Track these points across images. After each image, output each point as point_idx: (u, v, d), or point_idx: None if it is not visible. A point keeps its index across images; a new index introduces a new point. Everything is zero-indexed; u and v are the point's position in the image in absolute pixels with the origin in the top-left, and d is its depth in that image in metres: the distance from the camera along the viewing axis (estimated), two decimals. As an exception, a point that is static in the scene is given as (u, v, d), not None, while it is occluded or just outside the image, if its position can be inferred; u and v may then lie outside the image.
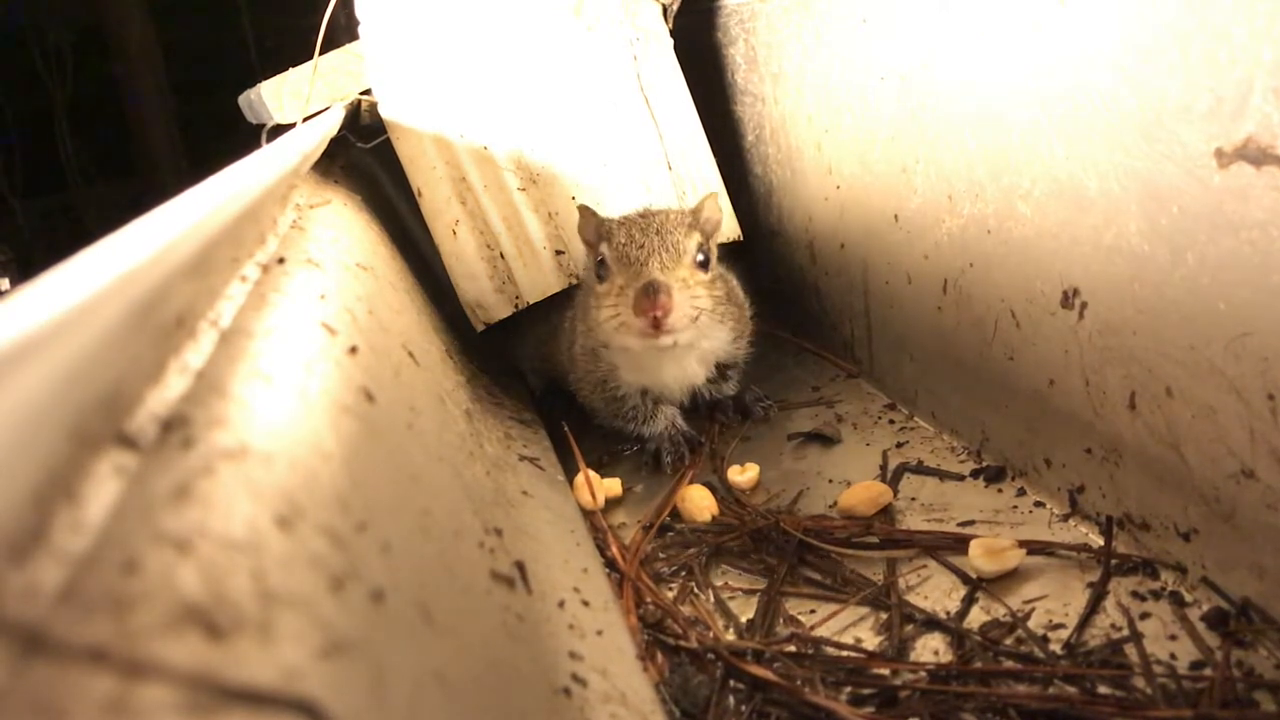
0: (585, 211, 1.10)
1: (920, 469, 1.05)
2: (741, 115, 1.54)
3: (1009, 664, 0.71)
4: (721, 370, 1.21)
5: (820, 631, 0.78)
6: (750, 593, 0.85)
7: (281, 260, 0.64)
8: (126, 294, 0.36)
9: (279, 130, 1.26)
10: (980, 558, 0.82)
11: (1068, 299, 0.85)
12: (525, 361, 1.37)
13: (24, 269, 2.56)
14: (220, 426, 0.39)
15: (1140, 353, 0.77)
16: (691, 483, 1.06)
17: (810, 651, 0.75)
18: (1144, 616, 0.74)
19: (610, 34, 1.24)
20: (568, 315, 1.21)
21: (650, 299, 0.97)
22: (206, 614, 0.29)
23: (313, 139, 0.92)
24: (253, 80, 1.38)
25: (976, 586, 0.81)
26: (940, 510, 0.96)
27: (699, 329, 1.04)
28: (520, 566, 0.69)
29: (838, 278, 1.34)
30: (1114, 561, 0.81)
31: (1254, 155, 0.63)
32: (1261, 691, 0.64)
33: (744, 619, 0.81)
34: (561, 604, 0.72)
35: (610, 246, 1.03)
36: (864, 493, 0.97)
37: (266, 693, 0.28)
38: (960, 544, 0.86)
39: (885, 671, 0.72)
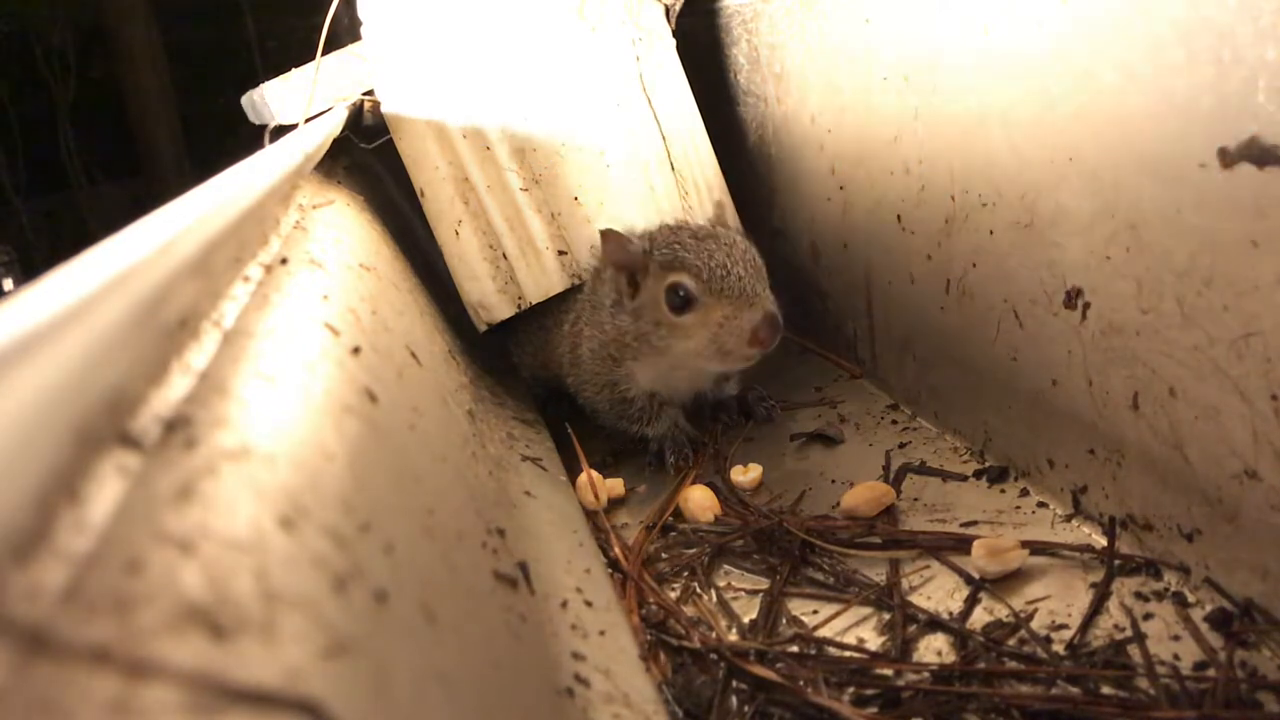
0: (613, 236, 1.07)
1: (923, 469, 1.05)
2: (744, 115, 1.54)
3: (1012, 664, 0.70)
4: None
5: (823, 632, 0.78)
6: (753, 593, 0.85)
7: (284, 260, 0.64)
8: (129, 294, 0.36)
9: (281, 130, 1.26)
10: (983, 558, 0.82)
11: (1070, 299, 0.85)
12: (522, 365, 1.37)
13: (26, 269, 2.56)
14: (223, 427, 0.39)
15: (1143, 353, 0.77)
16: (694, 483, 1.06)
17: (813, 652, 0.75)
18: (1147, 617, 0.74)
19: (613, 34, 1.24)
20: (567, 319, 1.21)
21: (772, 330, 1.01)
22: (209, 614, 0.29)
23: (315, 139, 0.92)
24: (255, 80, 1.38)
25: (979, 587, 0.81)
26: (943, 511, 0.95)
27: None
28: (523, 567, 0.69)
29: (840, 278, 1.34)
30: (1117, 562, 0.81)
31: (1257, 155, 0.63)
32: (1265, 692, 0.64)
33: (747, 619, 0.81)
34: (564, 604, 0.72)
35: (695, 277, 1.02)
36: (867, 493, 0.96)
37: (269, 693, 0.28)
38: (963, 544, 0.86)
39: (888, 672, 0.72)
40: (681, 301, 1.03)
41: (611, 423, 1.19)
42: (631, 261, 1.08)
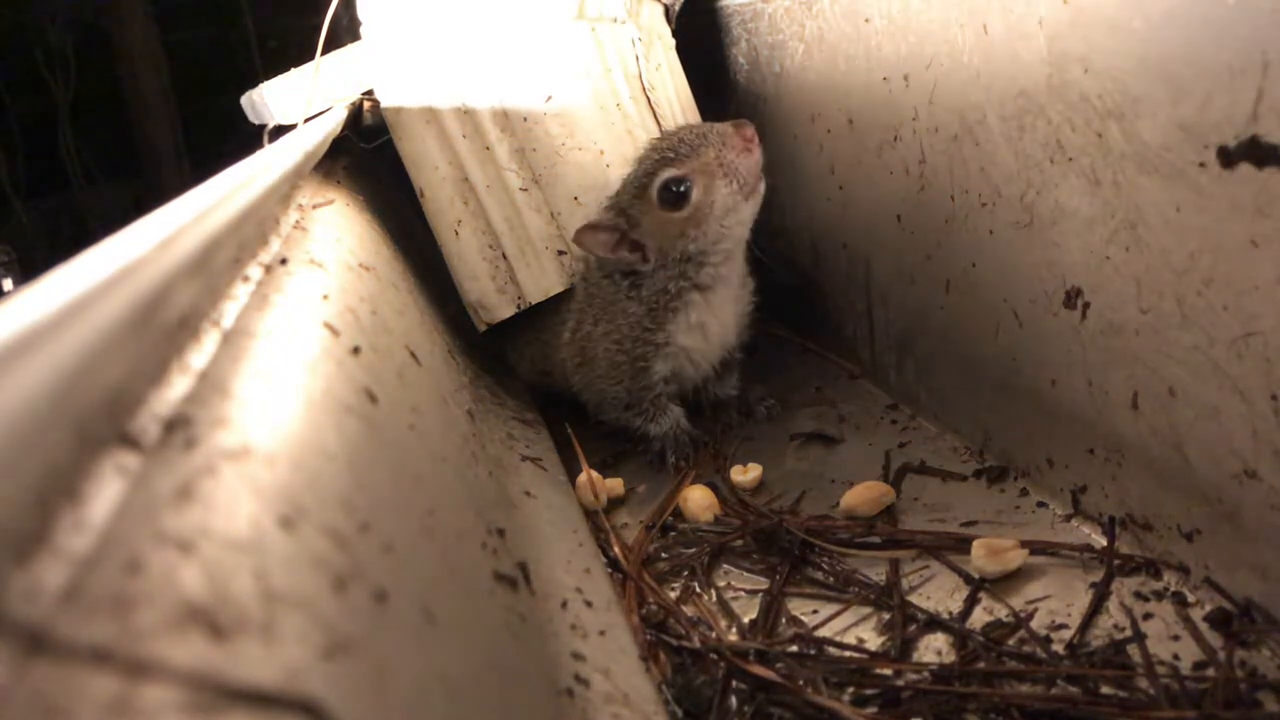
0: (586, 230, 1.10)
1: (923, 469, 1.05)
2: (744, 116, 1.54)
3: (1012, 664, 0.70)
4: (727, 362, 1.24)
5: (823, 632, 0.78)
6: (753, 593, 0.85)
7: (284, 260, 0.64)
8: (129, 294, 0.36)
9: (281, 130, 1.26)
10: (983, 558, 0.82)
11: (1070, 299, 0.85)
12: (519, 369, 1.36)
13: (26, 269, 2.56)
14: (223, 427, 0.39)
15: (1143, 353, 0.77)
16: (694, 483, 1.06)
17: (813, 652, 0.75)
18: (1147, 617, 0.74)
19: (613, 34, 1.24)
20: (566, 327, 1.20)
21: (745, 118, 1.09)
22: (209, 614, 0.29)
23: (315, 139, 0.92)
24: (255, 80, 1.38)
25: (979, 587, 0.81)
26: (943, 510, 0.95)
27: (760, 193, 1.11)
28: (523, 567, 0.69)
29: (840, 278, 1.34)
30: (1117, 562, 0.81)
31: (1258, 155, 0.63)
32: (1265, 692, 0.64)
33: (747, 619, 0.81)
34: (564, 604, 0.72)
35: (668, 165, 1.07)
36: (866, 493, 0.97)
37: (269, 693, 0.28)
38: (963, 544, 0.86)
39: (888, 672, 0.72)
40: (680, 191, 1.07)
41: (617, 415, 1.19)
42: (618, 232, 1.10)
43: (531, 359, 1.32)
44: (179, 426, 0.37)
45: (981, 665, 0.71)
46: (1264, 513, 0.68)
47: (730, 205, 1.08)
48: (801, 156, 1.36)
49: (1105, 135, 0.77)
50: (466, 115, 1.18)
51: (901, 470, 1.05)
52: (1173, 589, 0.77)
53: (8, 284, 2.42)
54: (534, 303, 1.22)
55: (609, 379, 1.17)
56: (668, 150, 1.09)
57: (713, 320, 1.17)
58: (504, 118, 1.18)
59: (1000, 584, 0.81)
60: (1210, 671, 0.67)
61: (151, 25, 3.00)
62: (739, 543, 0.93)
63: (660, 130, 1.26)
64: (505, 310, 1.23)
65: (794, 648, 0.76)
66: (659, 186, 1.08)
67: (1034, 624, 0.75)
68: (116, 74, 3.00)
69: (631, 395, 1.17)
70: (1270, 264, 0.64)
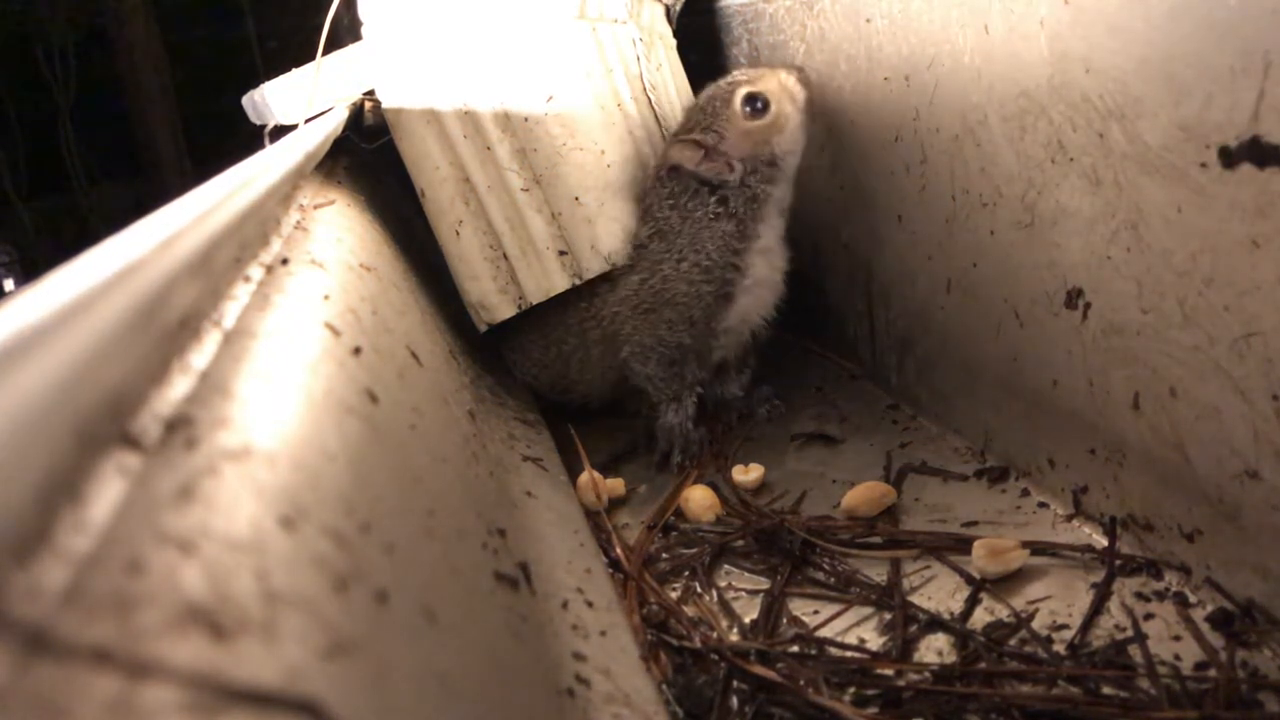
0: (682, 142, 1.18)
1: (924, 469, 1.04)
2: (744, 115, 1.54)
3: (1013, 664, 0.70)
4: (744, 359, 1.26)
5: (824, 632, 0.78)
6: (754, 593, 0.85)
7: (285, 261, 0.64)
8: (130, 294, 0.36)
9: (281, 131, 1.26)
10: (983, 558, 0.82)
11: (1071, 299, 0.85)
12: (523, 375, 1.35)
13: (28, 270, 2.56)
14: (224, 427, 0.39)
15: (1144, 353, 0.77)
16: (696, 482, 1.07)
17: (814, 652, 0.75)
18: (1148, 617, 0.74)
19: (614, 34, 1.24)
20: (631, 280, 1.20)
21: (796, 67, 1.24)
22: (210, 614, 0.29)
23: (316, 139, 0.92)
24: (256, 81, 1.38)
25: (980, 587, 0.81)
26: (944, 511, 0.95)
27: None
28: (524, 567, 0.69)
29: (840, 278, 1.33)
30: (1118, 562, 0.81)
31: (1259, 155, 0.63)
32: (1266, 692, 0.64)
33: (748, 619, 0.81)
34: (565, 605, 0.72)
35: (745, 85, 1.17)
36: (867, 493, 0.96)
37: (270, 693, 0.28)
38: (964, 545, 0.86)
39: (889, 672, 0.72)
40: (760, 104, 1.17)
41: (654, 371, 1.19)
42: (704, 148, 1.17)
43: (550, 382, 1.31)
44: (180, 426, 0.37)
45: (983, 665, 0.71)
46: (1265, 513, 0.68)
47: (798, 121, 1.18)
48: (801, 156, 1.35)
49: (1106, 135, 0.77)
50: (467, 116, 1.18)
51: (902, 470, 1.05)
52: (1174, 589, 0.77)
53: (8, 284, 2.42)
54: (535, 303, 1.22)
55: (679, 324, 1.17)
56: (738, 75, 1.20)
57: (773, 252, 1.22)
58: (505, 118, 1.18)
59: (1001, 584, 0.81)
60: (1211, 672, 0.67)
61: (152, 25, 3.00)
62: (740, 543, 0.93)
63: (661, 131, 1.27)
64: (506, 310, 1.23)
65: (795, 648, 0.76)
66: (742, 98, 1.17)
67: (1035, 624, 0.75)
68: (117, 74, 3.00)
69: (695, 341, 1.18)
70: (1271, 264, 0.64)
